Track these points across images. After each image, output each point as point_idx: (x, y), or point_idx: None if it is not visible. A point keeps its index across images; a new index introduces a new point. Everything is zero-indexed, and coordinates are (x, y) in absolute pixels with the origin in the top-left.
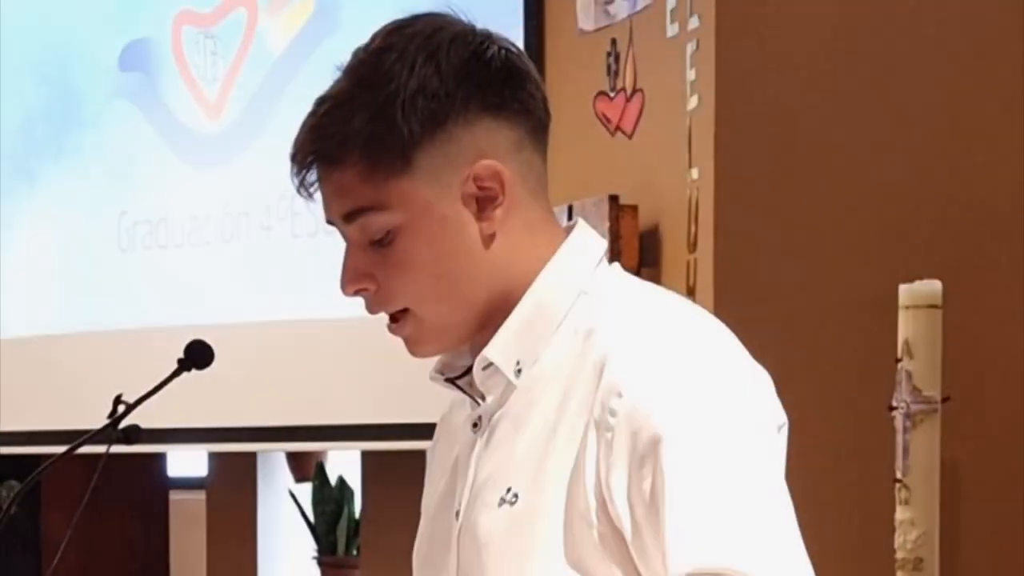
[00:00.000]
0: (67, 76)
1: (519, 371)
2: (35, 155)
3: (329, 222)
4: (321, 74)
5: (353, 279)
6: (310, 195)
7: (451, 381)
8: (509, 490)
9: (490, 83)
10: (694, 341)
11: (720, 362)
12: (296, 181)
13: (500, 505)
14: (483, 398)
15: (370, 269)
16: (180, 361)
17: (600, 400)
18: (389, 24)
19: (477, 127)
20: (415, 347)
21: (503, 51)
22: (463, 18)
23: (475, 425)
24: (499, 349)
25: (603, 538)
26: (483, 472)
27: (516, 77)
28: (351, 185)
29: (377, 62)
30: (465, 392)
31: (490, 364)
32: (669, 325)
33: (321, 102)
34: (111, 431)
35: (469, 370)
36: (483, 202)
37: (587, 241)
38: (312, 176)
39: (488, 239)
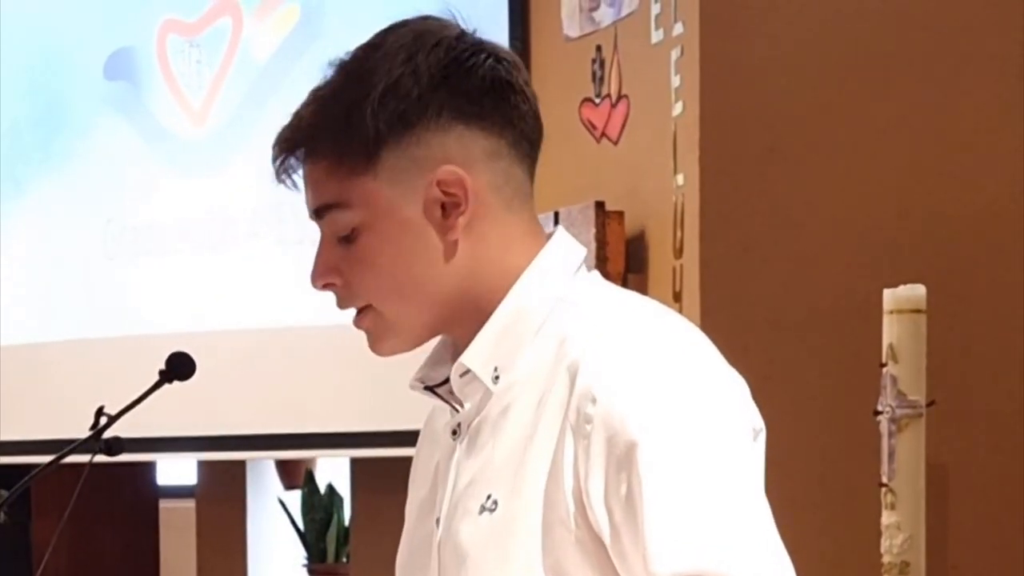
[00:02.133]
0: (53, 84)
1: (496, 378)
2: (22, 162)
3: (311, 216)
4: (306, 81)
5: (321, 273)
6: (287, 181)
7: (430, 390)
8: (489, 497)
9: (468, 91)
10: (667, 345)
11: (694, 366)
12: (275, 166)
13: (481, 513)
14: (462, 405)
15: (337, 264)
16: (161, 373)
17: (575, 406)
18: (391, 24)
19: (449, 133)
20: (375, 343)
21: (490, 61)
22: (462, 24)
23: (454, 432)
24: (476, 356)
25: (582, 543)
26: (463, 479)
27: (500, 88)
28: (321, 179)
29: (364, 57)
30: (444, 400)
31: (468, 371)
32: (641, 330)
33: (311, 93)
34: (93, 443)
35: (448, 379)
36: (448, 208)
37: (565, 248)
38: (290, 163)
39: (451, 246)
